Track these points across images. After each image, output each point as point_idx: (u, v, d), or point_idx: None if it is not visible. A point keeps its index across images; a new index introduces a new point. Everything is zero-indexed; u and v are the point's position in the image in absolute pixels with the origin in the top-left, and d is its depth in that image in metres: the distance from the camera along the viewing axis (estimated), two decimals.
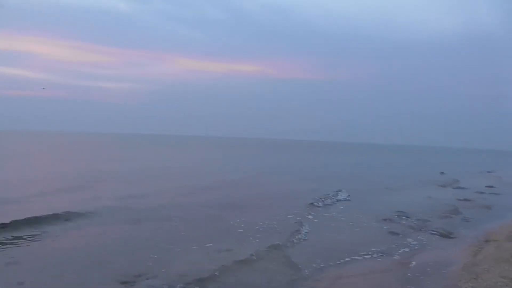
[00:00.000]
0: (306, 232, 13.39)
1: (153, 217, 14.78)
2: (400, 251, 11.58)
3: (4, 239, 11.14)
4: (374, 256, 11.04)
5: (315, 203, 19.08)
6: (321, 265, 10.00)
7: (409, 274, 9.30)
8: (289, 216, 16.00)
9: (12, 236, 11.43)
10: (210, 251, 10.79)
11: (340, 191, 23.01)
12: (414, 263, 10.25)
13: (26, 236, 11.54)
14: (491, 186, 30.31)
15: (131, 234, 12.44)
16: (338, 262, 10.33)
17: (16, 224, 12.34)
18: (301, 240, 12.49)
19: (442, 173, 42.79)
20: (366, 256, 10.95)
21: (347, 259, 10.61)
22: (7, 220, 12.39)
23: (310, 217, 16.20)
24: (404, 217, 16.63)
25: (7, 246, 10.67)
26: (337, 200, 20.73)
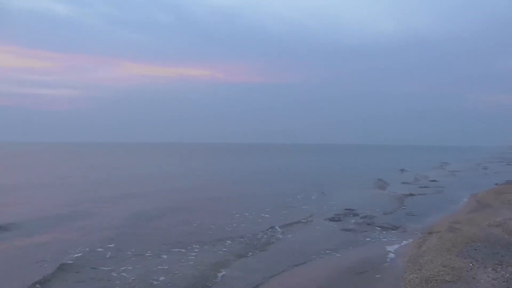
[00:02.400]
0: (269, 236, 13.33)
1: None
2: (349, 247, 11.79)
3: None
4: (326, 253, 11.16)
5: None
6: (274, 268, 9.95)
7: (359, 268, 9.45)
8: (242, 224, 15.89)
9: None
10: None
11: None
12: (363, 257, 10.46)
13: None
14: (435, 181, 31.87)
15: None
16: (289, 264, 10.29)
17: None
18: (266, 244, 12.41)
19: (402, 170, 44.46)
20: (318, 254, 11.03)
21: (301, 258, 10.63)
22: None
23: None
24: (352, 215, 17.02)
25: None
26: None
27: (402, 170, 44.56)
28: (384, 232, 13.78)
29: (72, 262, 9.96)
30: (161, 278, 8.94)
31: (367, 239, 12.84)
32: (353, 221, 15.73)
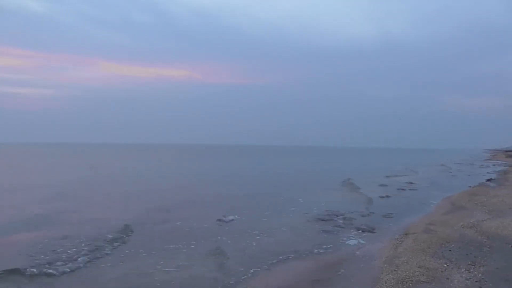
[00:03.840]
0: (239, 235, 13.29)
1: None
2: (327, 248, 11.87)
3: None
4: (302, 254, 11.21)
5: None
6: (252, 269, 9.93)
7: (336, 270, 9.52)
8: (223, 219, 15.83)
9: None
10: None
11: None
12: (340, 258, 10.55)
13: None
14: (411, 183, 32.44)
15: None
16: (269, 264, 10.33)
17: None
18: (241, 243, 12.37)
19: (391, 175, 45.00)
20: (295, 255, 11.08)
21: (275, 260, 10.65)
22: None
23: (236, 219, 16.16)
24: (329, 216, 17.14)
25: None
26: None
27: (380, 174, 45.18)
28: (361, 233, 13.93)
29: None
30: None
31: (345, 240, 12.98)
32: (332, 222, 15.85)
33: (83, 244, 11.85)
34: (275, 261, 10.55)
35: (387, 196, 23.85)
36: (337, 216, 17.19)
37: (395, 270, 8.82)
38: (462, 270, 8.72)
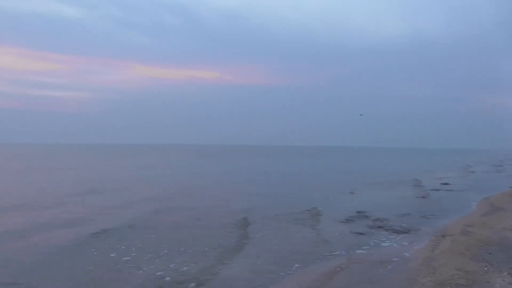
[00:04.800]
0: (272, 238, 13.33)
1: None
2: (362, 250, 11.72)
3: None
4: (337, 256, 11.08)
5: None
6: (283, 269, 9.93)
7: (372, 272, 9.40)
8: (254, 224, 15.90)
9: None
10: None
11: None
12: (375, 260, 10.39)
13: None
14: (446, 183, 31.55)
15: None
16: (300, 265, 10.28)
17: None
18: (268, 245, 12.41)
19: (418, 175, 44.12)
20: (329, 256, 10.98)
21: (307, 262, 10.58)
22: None
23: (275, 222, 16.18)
24: (364, 217, 16.92)
25: None
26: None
27: (414, 175, 44.17)
28: (396, 235, 13.67)
29: None
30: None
31: (379, 242, 12.77)
32: (365, 223, 15.64)
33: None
34: (306, 262, 10.47)
35: (422, 197, 23.33)
36: (370, 217, 16.95)
37: (432, 273, 8.62)
38: (504, 274, 8.44)
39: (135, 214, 17.41)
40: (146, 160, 75.50)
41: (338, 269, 9.73)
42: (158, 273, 9.45)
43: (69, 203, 20.22)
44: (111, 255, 11.06)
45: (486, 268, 8.79)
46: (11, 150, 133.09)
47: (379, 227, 14.90)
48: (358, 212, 18.08)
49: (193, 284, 8.76)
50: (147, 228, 14.51)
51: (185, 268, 9.87)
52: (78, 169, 47.09)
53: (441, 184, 31.47)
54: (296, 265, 10.20)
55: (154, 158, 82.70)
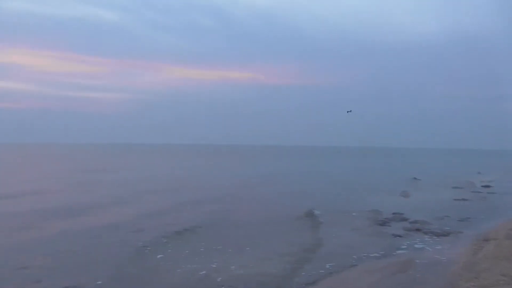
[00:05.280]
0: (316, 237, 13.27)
1: None
2: (400, 252, 11.47)
3: None
4: (375, 257, 10.91)
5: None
6: (318, 269, 9.84)
7: (411, 275, 9.17)
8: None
9: None
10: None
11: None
12: (415, 263, 10.12)
13: None
14: (488, 186, 30.35)
15: None
16: (340, 265, 10.15)
17: None
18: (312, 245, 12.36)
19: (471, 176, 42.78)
20: (367, 258, 10.82)
21: (349, 262, 10.46)
22: None
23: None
24: (401, 219, 16.53)
25: None
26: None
27: (452, 176, 42.71)
28: (435, 238, 13.29)
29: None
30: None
31: (417, 244, 12.45)
32: (402, 226, 15.28)
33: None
34: (342, 263, 10.33)
35: (463, 199, 22.55)
36: (408, 219, 16.54)
37: (475, 278, 8.31)
38: None
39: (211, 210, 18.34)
40: (193, 160, 77.23)
41: (375, 271, 9.56)
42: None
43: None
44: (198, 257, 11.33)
45: None
46: (58, 150, 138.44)
47: (417, 229, 14.53)
48: (394, 213, 17.69)
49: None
50: (227, 226, 14.88)
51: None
52: (139, 169, 48.22)
53: (482, 186, 30.30)
54: (329, 264, 10.10)
55: (198, 158, 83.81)
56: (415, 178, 36.02)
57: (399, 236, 13.56)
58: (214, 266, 10.01)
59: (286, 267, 10.00)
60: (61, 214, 17.12)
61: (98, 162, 66.07)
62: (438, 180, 35.74)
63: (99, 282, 8.75)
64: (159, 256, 10.92)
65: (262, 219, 16.45)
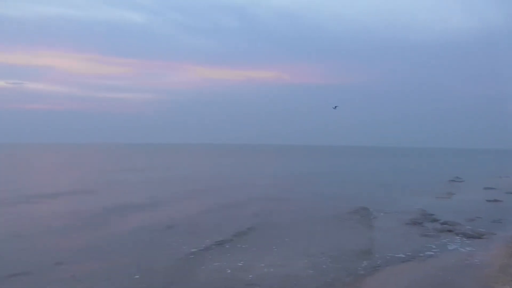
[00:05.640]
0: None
1: None
2: (430, 253, 11.27)
3: None
4: (407, 258, 10.74)
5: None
6: (346, 269, 9.76)
7: (443, 276, 9.05)
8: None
9: None
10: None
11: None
12: (447, 264, 9.97)
13: None
14: None
15: None
16: (372, 265, 10.06)
17: None
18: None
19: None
20: (399, 258, 10.66)
21: (379, 261, 10.36)
22: None
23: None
24: (432, 220, 16.24)
25: None
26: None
27: (484, 177, 41.52)
28: (466, 239, 12.99)
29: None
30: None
31: (449, 245, 12.21)
32: (433, 226, 15.02)
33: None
34: (371, 264, 10.19)
35: (495, 200, 21.93)
36: (439, 220, 16.23)
37: (511, 280, 8.15)
38: None
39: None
40: (224, 159, 78.41)
41: (405, 272, 9.47)
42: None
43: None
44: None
45: None
46: (89, 150, 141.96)
47: (449, 230, 14.24)
48: (424, 214, 17.39)
49: None
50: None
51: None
52: (175, 168, 48.81)
53: None
54: (364, 263, 10.07)
55: (229, 157, 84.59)
56: (453, 180, 35.10)
57: (430, 236, 13.32)
58: (262, 265, 10.14)
59: (319, 266, 9.99)
60: (117, 212, 17.75)
61: (133, 161, 67.34)
62: (473, 180, 34.85)
63: (137, 277, 9.01)
64: (216, 264, 11.10)
65: (308, 218, 16.57)
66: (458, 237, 13.24)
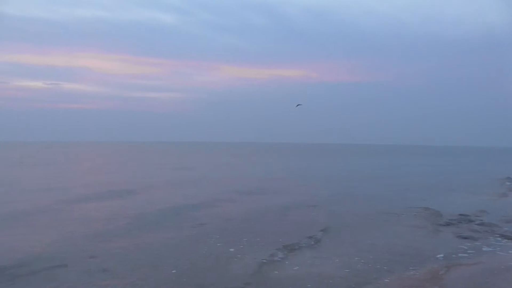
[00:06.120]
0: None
1: None
2: (469, 255, 10.83)
3: None
4: (438, 260, 10.38)
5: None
6: (380, 270, 9.54)
7: (479, 279, 8.66)
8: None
9: None
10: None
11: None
12: (487, 267, 9.52)
13: None
14: None
15: None
16: (406, 266, 9.79)
17: None
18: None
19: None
20: (429, 260, 10.32)
21: (415, 262, 10.08)
22: None
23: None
24: (468, 221, 15.62)
25: None
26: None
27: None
28: (506, 241, 12.39)
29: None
30: None
31: (486, 248, 11.67)
32: (468, 227, 14.44)
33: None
34: (404, 264, 9.94)
35: None
36: (475, 220, 15.62)
37: None
38: None
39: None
40: (266, 157, 78.86)
41: (441, 273, 9.12)
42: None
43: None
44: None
45: None
46: (129, 148, 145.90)
47: (486, 231, 13.66)
48: (460, 215, 16.77)
49: None
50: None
51: None
52: (232, 167, 49.35)
53: None
54: (385, 266, 9.79)
55: (267, 156, 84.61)
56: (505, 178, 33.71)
57: (465, 238, 12.83)
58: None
59: (354, 266, 9.83)
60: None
61: (180, 159, 68.44)
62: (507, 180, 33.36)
63: (174, 271, 9.10)
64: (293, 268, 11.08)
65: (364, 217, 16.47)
66: (497, 239, 12.64)
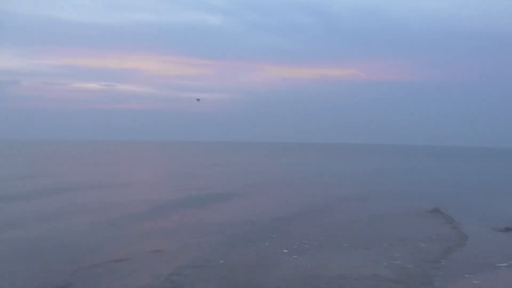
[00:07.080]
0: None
1: None
2: None
3: None
4: (501, 268, 10.17)
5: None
6: (433, 275, 9.54)
7: None
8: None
9: None
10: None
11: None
12: None
13: None
14: None
15: None
16: (473, 272, 9.72)
17: None
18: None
19: None
20: (491, 267, 10.22)
21: (481, 268, 10.04)
22: None
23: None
24: None
25: None
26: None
27: None
28: None
29: None
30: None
31: None
32: None
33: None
34: (461, 270, 9.90)
35: None
36: None
37: None
38: None
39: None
40: (305, 157, 79.86)
41: (501, 282, 9.19)
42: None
43: None
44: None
45: None
46: (180, 147, 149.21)
47: None
48: None
49: None
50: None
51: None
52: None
53: None
54: (439, 272, 9.78)
55: (314, 155, 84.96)
56: None
57: None
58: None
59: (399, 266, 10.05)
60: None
61: (224, 158, 70.76)
62: None
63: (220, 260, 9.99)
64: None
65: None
66: None
